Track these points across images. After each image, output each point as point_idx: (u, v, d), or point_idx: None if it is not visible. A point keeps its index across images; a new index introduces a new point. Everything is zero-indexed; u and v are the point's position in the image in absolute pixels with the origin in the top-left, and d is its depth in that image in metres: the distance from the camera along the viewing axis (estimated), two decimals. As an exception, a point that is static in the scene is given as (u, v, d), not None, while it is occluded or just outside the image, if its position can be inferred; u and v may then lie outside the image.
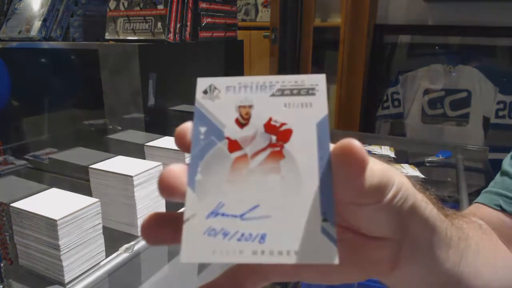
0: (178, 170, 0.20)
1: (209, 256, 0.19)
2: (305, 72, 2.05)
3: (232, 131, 0.21)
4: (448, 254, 0.28)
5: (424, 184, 0.27)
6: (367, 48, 2.13)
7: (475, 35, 2.01)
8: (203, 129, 0.21)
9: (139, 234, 0.74)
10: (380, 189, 0.21)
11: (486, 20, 1.94)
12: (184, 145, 0.22)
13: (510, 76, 1.96)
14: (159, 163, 0.78)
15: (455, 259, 0.29)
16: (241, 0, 2.71)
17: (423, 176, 1.11)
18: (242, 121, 0.21)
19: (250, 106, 0.22)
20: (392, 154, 1.26)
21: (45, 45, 1.11)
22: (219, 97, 0.22)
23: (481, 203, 0.46)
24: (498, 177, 0.48)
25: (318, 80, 0.22)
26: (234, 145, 0.21)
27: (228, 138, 0.21)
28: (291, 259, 0.18)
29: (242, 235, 0.19)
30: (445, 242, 0.28)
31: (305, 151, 0.20)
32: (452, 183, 1.12)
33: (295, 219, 0.19)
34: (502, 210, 0.44)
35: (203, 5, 1.07)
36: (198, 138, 0.21)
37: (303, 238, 0.19)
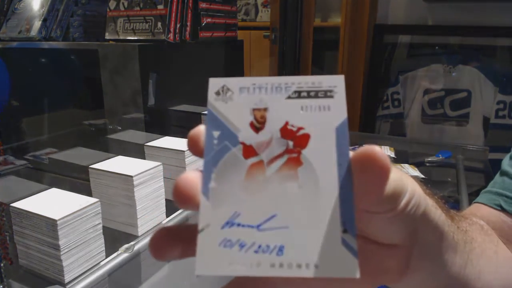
0: (193, 178, 0.19)
1: (225, 269, 0.18)
2: (305, 72, 2.05)
3: (247, 135, 0.20)
4: (455, 259, 0.28)
5: (431, 187, 0.27)
6: (367, 48, 2.13)
7: (475, 35, 2.01)
8: (216, 133, 0.20)
9: (139, 234, 0.74)
10: (394, 197, 0.21)
11: (486, 20, 1.94)
12: (197, 151, 0.21)
13: (510, 76, 1.96)
14: (159, 163, 0.78)
15: (461, 263, 0.29)
16: (241, 0, 2.71)
17: (423, 176, 1.11)
18: (257, 125, 0.20)
19: (265, 109, 0.20)
20: (392, 154, 1.26)
21: (45, 45, 1.11)
22: (232, 98, 0.21)
23: (481, 203, 0.46)
24: (497, 177, 0.48)
25: (337, 82, 0.21)
26: (249, 151, 0.20)
27: (242, 143, 0.20)
28: (311, 273, 0.18)
29: (259, 246, 0.18)
30: (452, 247, 0.28)
31: (324, 158, 0.19)
32: (452, 183, 1.12)
33: (314, 230, 0.18)
34: (503, 209, 0.44)
35: (203, 5, 1.08)
36: (211, 143, 0.20)
37: (322, 250, 0.18)
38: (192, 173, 0.20)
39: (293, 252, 0.18)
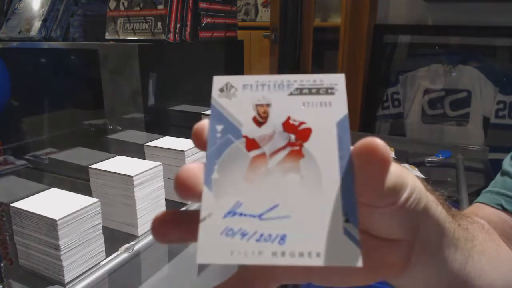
0: (195, 169, 0.20)
1: (227, 257, 0.18)
2: (305, 72, 2.05)
3: (250, 129, 0.21)
4: (455, 255, 0.28)
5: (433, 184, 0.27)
6: (367, 48, 2.13)
7: (475, 35, 2.01)
8: (219, 127, 0.21)
9: (139, 234, 0.74)
10: (395, 191, 0.21)
11: (486, 20, 1.94)
12: (201, 144, 0.21)
13: (510, 76, 1.96)
14: (159, 163, 0.78)
15: (462, 260, 0.29)
16: (241, 0, 2.71)
17: (423, 176, 1.11)
18: (260, 120, 0.21)
19: (268, 105, 0.21)
20: (392, 154, 1.26)
21: (45, 45, 1.11)
22: (236, 95, 0.22)
23: (482, 203, 0.47)
24: (498, 177, 0.49)
25: (338, 80, 0.21)
26: (252, 144, 0.20)
27: (245, 137, 0.21)
28: (313, 261, 0.18)
29: (261, 235, 0.18)
30: (453, 243, 0.28)
31: (325, 150, 0.20)
32: (452, 183, 1.12)
33: (316, 220, 0.18)
34: (504, 209, 0.44)
35: (203, 5, 1.07)
36: (215, 136, 0.21)
37: (324, 239, 0.18)
38: (194, 164, 0.20)
39: (295, 241, 0.18)
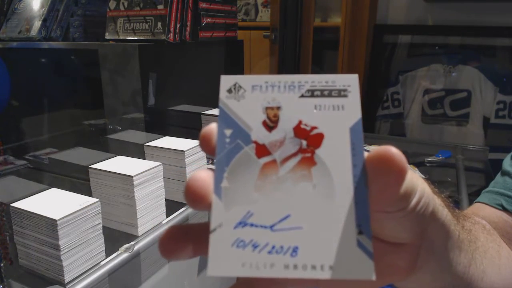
0: (205, 178, 0.19)
1: (238, 270, 0.18)
2: (305, 72, 2.05)
3: (260, 134, 0.20)
4: (459, 257, 0.28)
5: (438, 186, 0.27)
6: (367, 48, 2.13)
7: (475, 35, 2.01)
8: (228, 132, 0.20)
9: (139, 234, 0.74)
10: (406, 197, 0.21)
11: (486, 20, 1.94)
12: (210, 149, 0.20)
13: (510, 76, 1.96)
14: (159, 163, 0.77)
15: (465, 262, 0.29)
16: (241, 0, 2.71)
17: (423, 176, 1.10)
18: (270, 124, 0.20)
19: (278, 108, 0.20)
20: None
21: (45, 45, 1.11)
22: (245, 96, 0.21)
23: (483, 203, 0.47)
24: (498, 177, 0.49)
25: (351, 81, 0.21)
26: (262, 150, 0.20)
27: (255, 142, 0.20)
28: (326, 274, 0.17)
29: (273, 247, 0.18)
30: (457, 246, 0.28)
31: (338, 158, 0.19)
32: (452, 183, 1.12)
33: (328, 231, 0.18)
34: (504, 209, 0.44)
35: (203, 5, 1.07)
36: (224, 141, 0.20)
37: (337, 251, 0.18)
38: (204, 172, 0.19)
39: (307, 253, 0.18)
